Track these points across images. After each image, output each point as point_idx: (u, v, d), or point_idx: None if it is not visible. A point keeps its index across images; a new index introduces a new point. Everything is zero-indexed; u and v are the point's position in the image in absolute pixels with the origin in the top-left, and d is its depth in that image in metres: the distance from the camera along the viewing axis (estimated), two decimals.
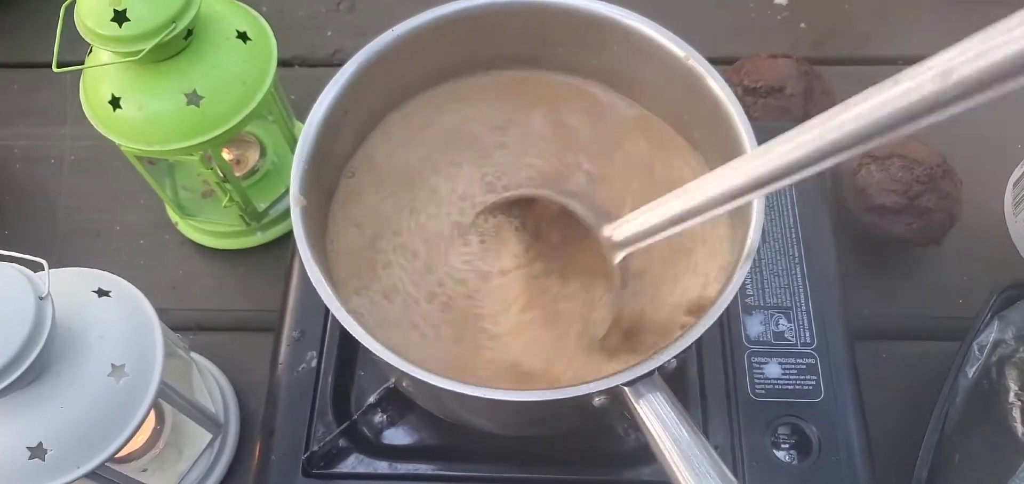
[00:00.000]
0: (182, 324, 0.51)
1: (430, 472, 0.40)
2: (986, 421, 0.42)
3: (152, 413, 0.45)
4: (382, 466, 0.40)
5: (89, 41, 0.41)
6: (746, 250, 0.32)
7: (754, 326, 0.43)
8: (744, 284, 0.44)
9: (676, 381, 0.40)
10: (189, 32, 0.42)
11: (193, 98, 0.43)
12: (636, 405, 0.30)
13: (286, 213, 0.53)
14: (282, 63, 0.48)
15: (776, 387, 0.41)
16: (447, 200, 0.38)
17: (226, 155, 0.53)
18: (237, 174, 0.52)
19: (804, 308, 0.43)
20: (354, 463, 0.40)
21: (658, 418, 0.30)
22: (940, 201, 0.49)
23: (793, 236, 0.46)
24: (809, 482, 0.39)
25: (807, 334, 0.43)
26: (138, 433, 0.38)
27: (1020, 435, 0.40)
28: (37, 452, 0.34)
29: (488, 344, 0.35)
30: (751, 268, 0.40)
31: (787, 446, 0.40)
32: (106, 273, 0.39)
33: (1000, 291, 0.45)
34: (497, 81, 0.41)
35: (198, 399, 0.45)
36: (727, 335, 0.43)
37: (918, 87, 0.22)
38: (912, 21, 0.63)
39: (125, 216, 0.56)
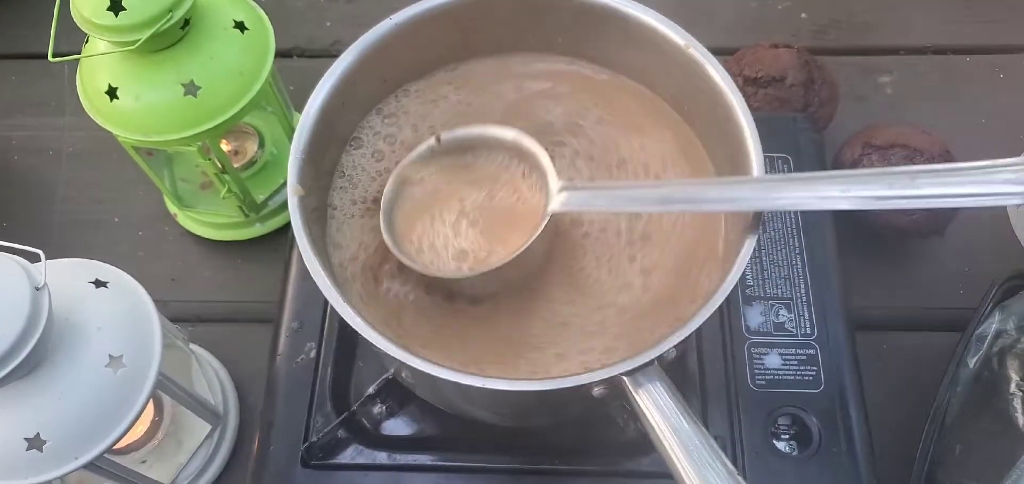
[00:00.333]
0: (181, 316, 0.51)
1: (429, 462, 0.40)
2: (987, 411, 0.41)
3: (151, 404, 0.45)
4: (381, 457, 0.40)
5: (85, 31, 0.41)
6: (746, 240, 0.32)
7: (754, 316, 0.43)
8: (744, 274, 0.44)
9: (676, 372, 0.40)
10: (186, 22, 0.42)
11: (190, 89, 0.43)
12: (635, 395, 0.30)
13: (285, 204, 0.53)
14: (280, 54, 0.47)
15: (776, 378, 0.41)
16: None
17: (224, 146, 0.53)
18: (235, 165, 0.52)
19: (804, 298, 0.43)
20: (353, 454, 0.40)
21: (657, 408, 0.30)
22: None
23: (793, 226, 0.45)
24: (809, 473, 0.39)
25: (807, 325, 0.43)
26: (137, 424, 0.38)
27: (1021, 425, 0.40)
28: (35, 443, 0.34)
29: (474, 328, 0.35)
30: (751, 258, 0.40)
31: (787, 437, 0.40)
32: (104, 264, 0.39)
33: (1001, 282, 0.44)
34: (497, 69, 0.41)
35: (197, 390, 0.45)
36: (727, 325, 0.43)
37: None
38: (912, 11, 0.63)
39: (123, 207, 0.56)
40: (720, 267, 0.35)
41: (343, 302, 0.31)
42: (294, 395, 0.42)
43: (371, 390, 0.41)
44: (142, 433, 0.45)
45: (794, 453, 0.39)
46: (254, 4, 0.47)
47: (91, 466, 0.37)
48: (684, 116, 0.39)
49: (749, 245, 0.32)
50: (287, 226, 0.53)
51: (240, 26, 0.44)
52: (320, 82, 0.36)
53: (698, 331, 0.31)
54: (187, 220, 0.54)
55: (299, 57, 0.63)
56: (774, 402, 0.40)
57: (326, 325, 0.43)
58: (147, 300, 0.39)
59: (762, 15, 0.63)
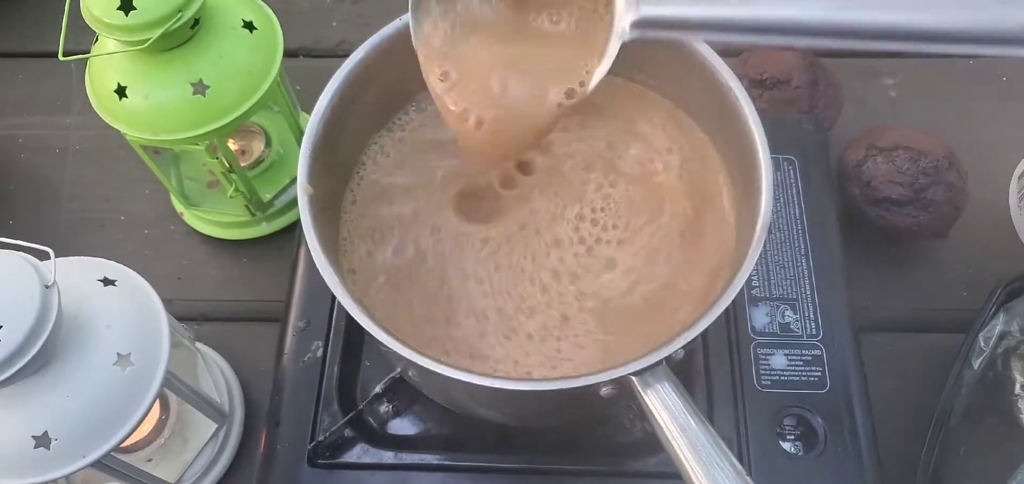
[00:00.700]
0: (187, 314, 0.51)
1: (436, 462, 0.40)
2: (991, 413, 0.42)
3: (157, 403, 0.45)
4: (387, 456, 0.40)
5: (95, 30, 0.41)
6: (754, 241, 0.32)
7: (760, 317, 0.43)
8: (750, 276, 0.44)
9: (683, 372, 0.40)
10: (195, 21, 0.42)
11: (199, 88, 0.43)
12: (644, 395, 0.30)
13: (291, 204, 0.53)
14: (287, 54, 0.47)
15: (782, 378, 0.41)
16: (457, 185, 0.38)
17: (232, 145, 0.53)
18: (242, 164, 0.52)
19: (810, 300, 0.43)
20: (359, 453, 0.40)
21: (665, 408, 0.30)
22: (946, 193, 0.49)
23: (799, 228, 0.46)
24: (815, 473, 0.39)
25: (813, 325, 0.43)
26: (143, 423, 0.38)
27: None
28: (42, 441, 0.34)
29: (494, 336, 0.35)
30: (757, 260, 0.41)
31: (793, 437, 0.40)
32: (113, 262, 0.39)
33: (1005, 284, 0.45)
34: None
35: (203, 389, 0.45)
36: (733, 326, 0.43)
37: None
38: None
39: (130, 206, 0.56)
40: (728, 268, 0.35)
41: (352, 301, 0.31)
42: (301, 394, 0.42)
43: (378, 389, 0.41)
44: (148, 431, 0.45)
45: (800, 454, 0.40)
46: (263, 4, 0.47)
47: (98, 464, 0.37)
48: (692, 115, 0.39)
49: (757, 246, 0.32)
50: (293, 225, 0.53)
51: (249, 26, 0.44)
52: (330, 81, 0.36)
53: (705, 332, 0.31)
54: (194, 219, 0.54)
55: (305, 57, 0.63)
56: (780, 403, 0.41)
57: (333, 324, 0.43)
58: (155, 299, 0.39)
59: None
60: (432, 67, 0.33)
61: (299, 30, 0.63)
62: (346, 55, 0.37)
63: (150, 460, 0.45)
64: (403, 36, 0.37)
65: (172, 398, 0.46)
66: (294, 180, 0.38)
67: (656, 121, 0.40)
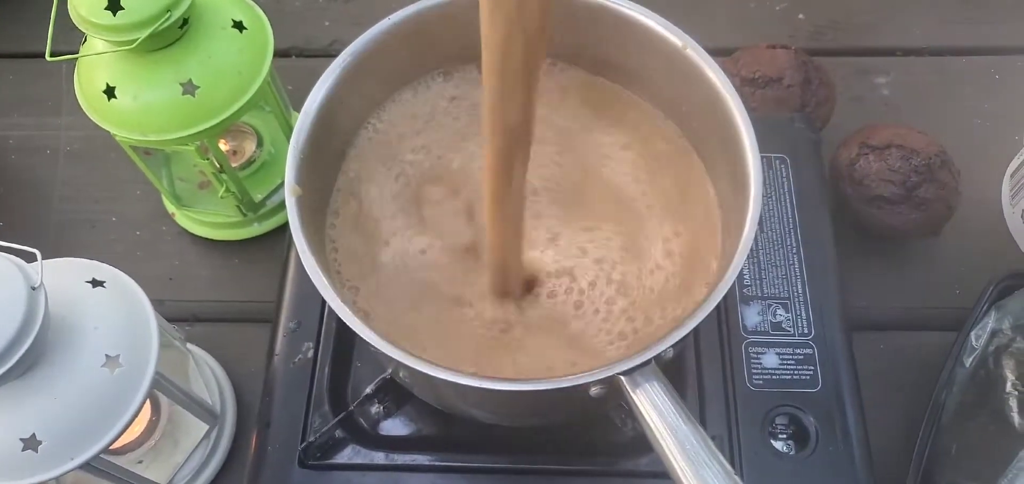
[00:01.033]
0: (179, 315, 0.51)
1: (427, 462, 0.40)
2: (983, 411, 0.42)
3: (147, 404, 0.45)
4: (379, 457, 0.40)
5: (83, 30, 0.41)
6: (743, 239, 0.32)
7: (752, 316, 0.43)
8: (742, 274, 0.44)
9: (673, 371, 0.40)
10: (184, 21, 0.42)
11: (189, 88, 0.42)
12: (633, 394, 0.30)
13: (283, 204, 0.52)
14: (279, 54, 0.47)
15: (774, 377, 0.41)
16: (445, 188, 0.38)
17: (222, 146, 0.53)
18: (234, 165, 0.52)
19: (802, 298, 0.43)
20: (350, 454, 0.40)
21: (655, 407, 0.30)
22: (938, 192, 0.49)
23: (791, 226, 0.45)
24: (806, 472, 0.39)
25: (805, 324, 0.43)
26: (133, 424, 0.38)
27: (1017, 424, 0.40)
28: (30, 443, 0.34)
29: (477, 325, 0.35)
30: (748, 258, 0.41)
31: (784, 436, 0.40)
32: (100, 263, 0.39)
33: (997, 281, 0.45)
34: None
35: (194, 390, 0.45)
36: (725, 325, 0.43)
37: None
38: (910, 13, 0.63)
39: (121, 207, 0.56)
40: (718, 267, 0.35)
41: (340, 301, 0.31)
42: (291, 395, 0.42)
43: (369, 390, 0.41)
44: (139, 433, 0.45)
45: (791, 452, 0.40)
46: (252, 4, 0.47)
47: (87, 466, 0.36)
48: (680, 117, 0.39)
49: (746, 244, 0.32)
50: (285, 226, 0.52)
51: (239, 25, 0.44)
52: (319, 81, 0.36)
53: (695, 330, 0.31)
54: (185, 220, 0.54)
55: (297, 57, 0.63)
56: (771, 401, 0.40)
57: (324, 325, 0.43)
58: (144, 299, 0.39)
59: (760, 16, 0.63)
60: None
61: (291, 30, 0.63)
62: (338, 55, 0.37)
63: (140, 462, 0.45)
64: (393, 35, 0.37)
65: (163, 399, 0.46)
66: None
67: (640, 119, 0.40)
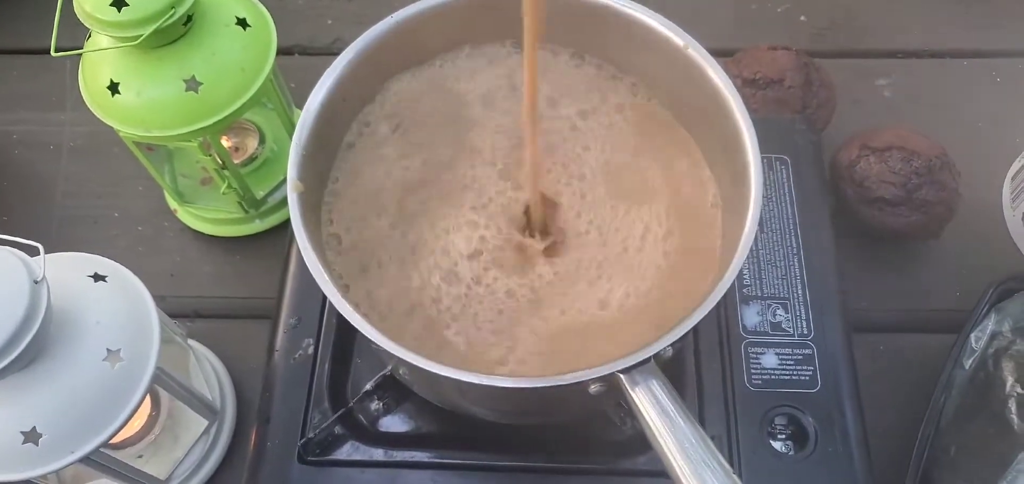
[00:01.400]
0: (180, 311, 0.51)
1: (426, 459, 0.40)
2: (982, 413, 0.42)
3: (148, 399, 0.45)
4: (378, 453, 0.40)
5: (88, 26, 0.41)
6: (743, 238, 0.32)
7: (751, 316, 0.43)
8: (741, 274, 0.44)
9: (672, 371, 0.40)
10: (188, 18, 0.42)
11: (192, 84, 0.43)
12: (632, 392, 0.30)
13: (285, 201, 0.53)
14: (282, 51, 0.47)
15: (773, 377, 0.41)
16: (445, 184, 0.38)
17: (225, 142, 0.53)
18: (236, 161, 0.52)
19: (801, 299, 0.43)
20: (350, 450, 0.40)
21: (654, 406, 0.30)
22: (938, 194, 0.49)
23: (791, 227, 0.46)
24: (805, 473, 0.39)
25: (804, 325, 0.43)
26: (134, 419, 0.38)
27: (1016, 427, 0.40)
28: (31, 436, 0.34)
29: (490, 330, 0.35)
30: (749, 258, 0.41)
31: (783, 436, 0.40)
32: (103, 258, 0.39)
33: (997, 284, 0.45)
34: (496, 68, 0.41)
35: (195, 386, 0.45)
36: (724, 325, 0.43)
37: None
38: (912, 15, 0.63)
39: (124, 203, 0.56)
40: (717, 266, 0.35)
41: (341, 298, 0.31)
42: (291, 391, 0.42)
43: (368, 386, 0.41)
44: (139, 428, 0.45)
45: (790, 453, 0.40)
46: (256, 1, 0.47)
47: (87, 460, 0.37)
48: (681, 117, 0.39)
49: (746, 244, 0.32)
50: (286, 222, 0.53)
51: (242, 23, 0.44)
52: (321, 78, 0.36)
53: (695, 330, 0.31)
54: (187, 216, 0.54)
55: (300, 55, 0.63)
56: (770, 402, 0.41)
57: (324, 321, 0.43)
58: (145, 295, 0.39)
59: (761, 17, 0.64)
60: None
61: (294, 28, 0.63)
62: (341, 53, 0.37)
63: (141, 456, 0.45)
64: (395, 33, 0.38)
65: (163, 394, 0.46)
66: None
67: (643, 121, 0.40)
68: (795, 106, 0.52)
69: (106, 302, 0.37)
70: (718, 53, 0.37)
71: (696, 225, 0.37)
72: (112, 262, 0.39)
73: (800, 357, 0.42)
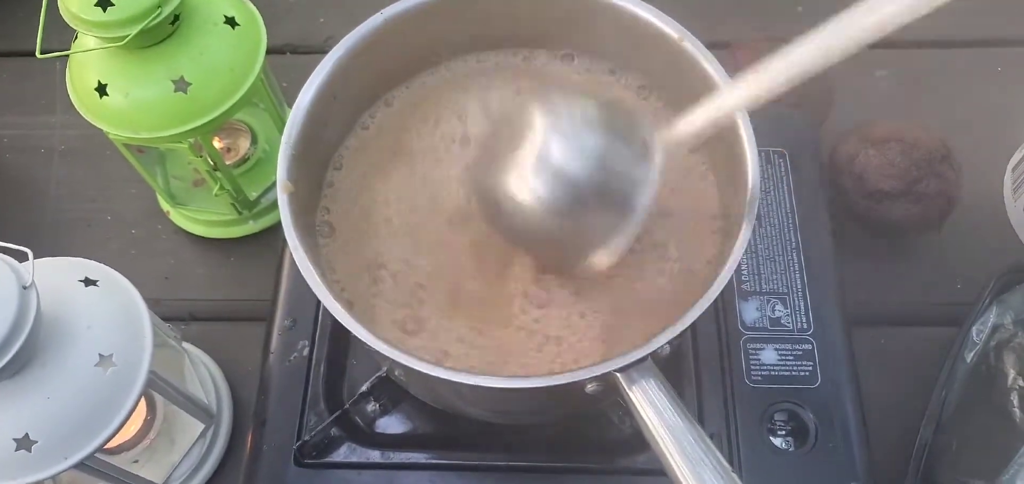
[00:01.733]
0: (174, 314, 0.50)
1: (423, 460, 0.40)
2: (984, 406, 0.41)
3: (142, 403, 0.44)
4: (374, 455, 0.40)
5: (74, 26, 0.40)
6: (741, 234, 0.32)
7: (750, 312, 0.43)
8: (740, 269, 0.44)
9: (671, 368, 0.40)
10: (175, 17, 0.42)
11: (181, 85, 0.42)
12: (629, 391, 0.30)
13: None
14: (273, 50, 0.47)
15: (772, 373, 0.41)
16: (436, 185, 0.38)
17: (217, 143, 0.52)
18: (228, 162, 0.52)
19: (801, 294, 0.43)
20: (346, 452, 0.40)
21: (651, 405, 0.29)
22: (939, 185, 0.48)
23: (790, 221, 0.45)
24: (806, 469, 0.39)
25: (804, 320, 0.42)
26: (128, 424, 0.38)
27: (1018, 420, 0.39)
28: (23, 443, 0.34)
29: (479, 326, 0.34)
30: (747, 253, 0.40)
31: (783, 433, 0.40)
32: (93, 262, 0.39)
33: (999, 276, 0.44)
34: (487, 66, 0.40)
35: (190, 389, 0.45)
36: (722, 321, 0.42)
37: None
38: None
39: (116, 206, 0.56)
40: (715, 262, 0.35)
41: (333, 299, 0.31)
42: (287, 393, 0.41)
43: (364, 388, 0.40)
44: (134, 432, 0.44)
45: (790, 449, 0.39)
46: (245, 0, 0.46)
47: (82, 466, 0.36)
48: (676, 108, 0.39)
49: (743, 239, 0.32)
50: (280, 223, 0.52)
51: (231, 22, 0.44)
52: (310, 77, 0.36)
53: (693, 327, 0.31)
54: (180, 218, 0.54)
55: (292, 54, 0.62)
56: (770, 398, 0.40)
57: (319, 323, 0.43)
58: (137, 298, 0.39)
59: (757, 8, 0.63)
60: None
61: (285, 26, 0.62)
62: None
63: (136, 461, 0.45)
64: (384, 30, 0.37)
65: (158, 399, 0.45)
66: None
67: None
68: (792, 99, 0.51)
69: (97, 307, 0.37)
70: (713, 45, 0.36)
71: (693, 220, 0.36)
72: (103, 266, 0.39)
73: (800, 352, 0.41)
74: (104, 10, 0.39)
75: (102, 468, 0.39)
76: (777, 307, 0.43)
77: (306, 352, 0.42)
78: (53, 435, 0.35)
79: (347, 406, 0.40)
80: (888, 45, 0.63)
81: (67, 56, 0.43)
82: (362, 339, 0.30)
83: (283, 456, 0.40)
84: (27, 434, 0.34)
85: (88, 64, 0.43)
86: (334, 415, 0.40)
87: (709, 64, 0.35)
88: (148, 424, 0.45)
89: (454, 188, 0.37)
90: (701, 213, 0.37)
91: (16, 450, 0.34)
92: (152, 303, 0.39)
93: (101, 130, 0.44)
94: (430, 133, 0.39)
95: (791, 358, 0.41)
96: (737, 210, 0.33)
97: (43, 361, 0.35)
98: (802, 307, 0.43)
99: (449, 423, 0.40)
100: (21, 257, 0.34)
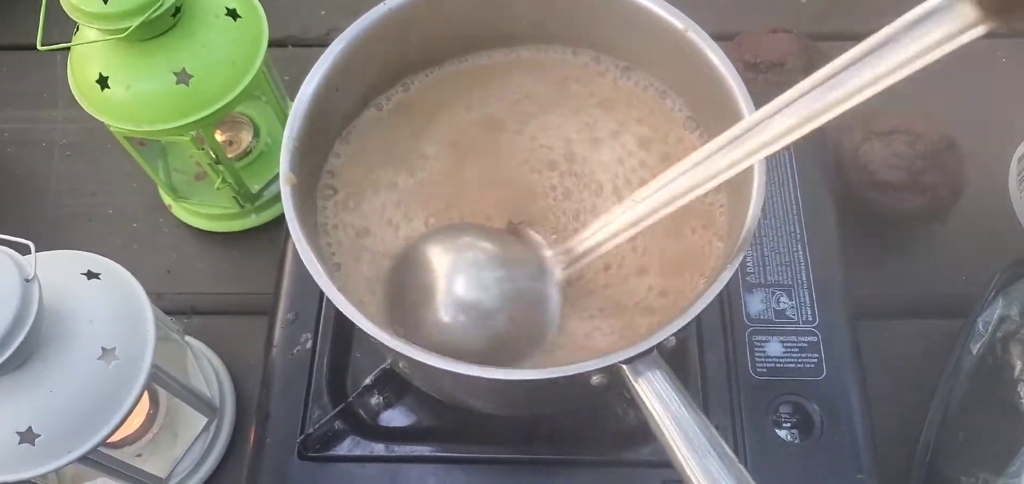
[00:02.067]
0: (177, 308, 0.50)
1: (427, 453, 0.40)
2: (991, 398, 0.41)
3: (145, 397, 0.44)
4: (378, 448, 0.40)
5: (75, 18, 0.40)
6: (746, 225, 0.32)
7: (755, 304, 0.42)
8: (745, 261, 0.43)
9: (676, 360, 0.39)
10: (177, 9, 0.41)
11: (182, 77, 0.42)
12: (635, 383, 0.29)
13: (280, 194, 0.53)
14: (275, 43, 0.47)
15: (778, 365, 0.41)
16: (436, 178, 0.38)
17: (219, 136, 0.52)
18: (230, 156, 0.52)
19: (805, 286, 0.43)
20: (350, 445, 0.40)
21: (657, 396, 0.29)
22: (943, 177, 0.48)
23: (794, 212, 0.45)
24: (811, 461, 0.39)
25: (809, 312, 0.42)
26: (132, 418, 0.38)
27: None
28: (27, 437, 0.34)
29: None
30: (752, 244, 0.40)
31: (789, 425, 0.39)
32: (96, 255, 0.38)
33: (1004, 267, 0.44)
34: (491, 59, 0.40)
35: (193, 383, 0.44)
36: (727, 313, 0.42)
37: None
38: None
39: (117, 200, 0.56)
40: (720, 254, 0.35)
41: (337, 291, 0.31)
42: (290, 387, 0.41)
43: (368, 381, 0.40)
44: (137, 426, 0.44)
45: (796, 441, 0.39)
46: None
47: (86, 460, 0.36)
48: (681, 98, 0.39)
49: (749, 231, 0.31)
50: (283, 216, 0.51)
51: (232, 14, 0.44)
52: (314, 67, 0.35)
53: (698, 319, 0.30)
54: (182, 212, 0.54)
55: (294, 47, 0.62)
56: (775, 390, 0.40)
57: (322, 316, 0.43)
58: (140, 291, 0.38)
59: (764, 1, 0.63)
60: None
61: (286, 19, 0.62)
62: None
63: (140, 455, 0.45)
64: (386, 21, 0.37)
65: (161, 392, 0.45)
66: None
67: (640, 106, 0.39)
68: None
69: (99, 300, 0.37)
70: (718, 36, 0.36)
71: (698, 212, 0.36)
72: (105, 259, 0.39)
73: (805, 345, 0.41)
74: (105, 2, 0.39)
75: (106, 462, 0.39)
76: (782, 299, 0.43)
77: (309, 345, 0.42)
78: (56, 429, 0.35)
79: (351, 399, 0.40)
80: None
81: (68, 49, 0.43)
82: (366, 331, 0.30)
83: (287, 449, 0.40)
84: (30, 428, 0.34)
85: (89, 57, 0.42)
86: (338, 408, 0.40)
87: (714, 55, 0.35)
88: (151, 418, 0.45)
89: (454, 183, 0.37)
90: (706, 205, 0.36)
91: (20, 443, 0.34)
92: (154, 297, 0.39)
93: (102, 124, 0.44)
94: (432, 125, 0.39)
95: (796, 350, 0.41)
96: (742, 203, 0.33)
97: (46, 354, 0.35)
98: (807, 299, 0.42)
99: (453, 416, 0.40)
100: (23, 250, 0.34)
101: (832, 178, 0.47)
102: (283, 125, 0.50)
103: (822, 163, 0.47)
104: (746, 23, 0.56)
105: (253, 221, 0.53)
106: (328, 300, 0.41)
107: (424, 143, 0.39)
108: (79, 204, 0.56)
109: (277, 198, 0.53)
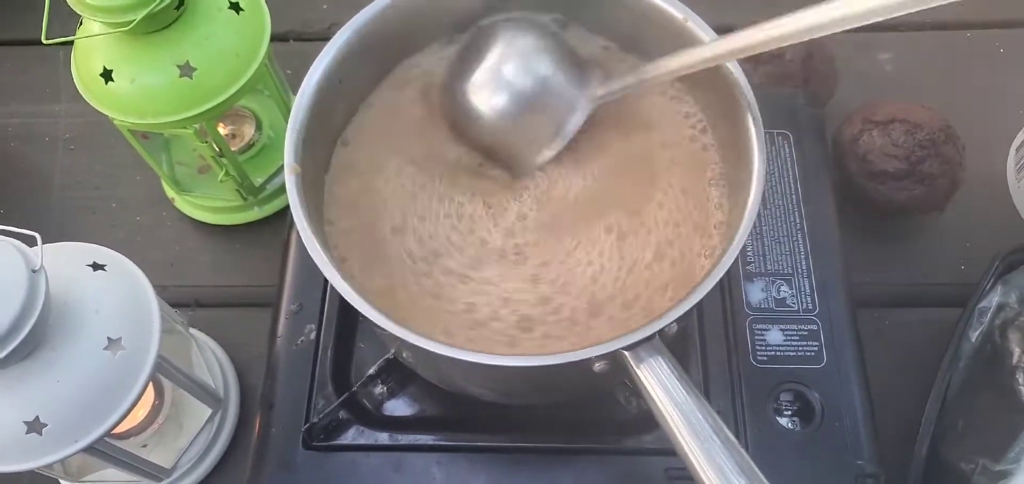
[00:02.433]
0: (181, 301, 0.51)
1: (431, 442, 0.40)
2: (990, 386, 0.41)
3: (151, 388, 0.45)
4: (383, 437, 0.40)
5: (79, 12, 0.40)
6: (746, 214, 0.32)
7: (755, 292, 0.43)
8: (745, 250, 0.44)
9: (677, 350, 0.40)
10: (180, 3, 0.42)
11: (186, 70, 0.42)
12: (637, 370, 0.30)
13: (283, 187, 0.52)
14: (277, 37, 0.47)
15: (778, 354, 0.41)
16: (441, 166, 0.38)
17: (222, 130, 0.53)
18: (233, 149, 0.52)
19: (806, 275, 0.43)
20: (354, 435, 0.40)
21: (659, 382, 0.29)
22: (942, 166, 0.48)
23: (794, 202, 0.45)
24: (811, 448, 0.39)
25: (809, 300, 0.42)
26: (137, 408, 0.38)
27: None
28: (34, 426, 0.34)
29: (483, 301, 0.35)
30: (752, 234, 0.40)
31: (789, 412, 0.40)
32: (101, 247, 0.39)
33: (1003, 256, 0.44)
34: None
35: (198, 374, 0.45)
36: (728, 301, 0.42)
37: None
38: None
39: (121, 193, 0.56)
40: (720, 243, 0.35)
41: (342, 280, 0.31)
42: (294, 377, 0.42)
43: (372, 370, 0.41)
44: (143, 417, 0.45)
45: (796, 429, 0.39)
46: None
47: (92, 450, 0.36)
48: (683, 88, 0.39)
49: (749, 220, 0.32)
50: (286, 209, 0.52)
51: (235, 7, 0.44)
52: (317, 58, 0.36)
53: (699, 307, 0.31)
54: (185, 205, 0.54)
55: (296, 41, 0.62)
56: (776, 378, 0.40)
57: (326, 306, 0.43)
58: (145, 283, 0.39)
59: None
60: None
61: (288, 13, 0.62)
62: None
63: (145, 446, 0.45)
64: (388, 13, 0.37)
65: (166, 384, 0.46)
66: None
67: (644, 95, 0.39)
68: (796, 81, 0.51)
69: (105, 291, 0.37)
70: (717, 27, 0.36)
71: (698, 201, 0.36)
72: (111, 251, 0.39)
73: (805, 333, 0.42)
74: None
75: (112, 452, 0.39)
76: (782, 288, 0.43)
77: (313, 335, 0.42)
78: (63, 418, 0.35)
79: (355, 389, 0.41)
80: (891, 27, 0.64)
81: (72, 42, 0.44)
82: (370, 319, 0.31)
83: (291, 439, 0.40)
84: (37, 417, 0.34)
85: (93, 50, 0.43)
86: (342, 398, 0.40)
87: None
88: (156, 409, 0.45)
89: (463, 164, 0.38)
90: (705, 195, 0.37)
91: (27, 433, 0.34)
92: (158, 290, 0.39)
93: (106, 118, 0.44)
94: (435, 116, 0.39)
95: (796, 339, 0.41)
96: (742, 192, 0.33)
97: (52, 345, 0.35)
98: (807, 288, 0.43)
99: (457, 405, 0.40)
100: (30, 242, 0.34)
101: (831, 168, 0.48)
102: (286, 119, 0.50)
103: (821, 153, 0.47)
104: (744, 14, 0.56)
105: (256, 214, 0.53)
106: (332, 291, 0.42)
107: (428, 132, 0.39)
108: (83, 198, 0.56)
109: (280, 191, 0.53)
